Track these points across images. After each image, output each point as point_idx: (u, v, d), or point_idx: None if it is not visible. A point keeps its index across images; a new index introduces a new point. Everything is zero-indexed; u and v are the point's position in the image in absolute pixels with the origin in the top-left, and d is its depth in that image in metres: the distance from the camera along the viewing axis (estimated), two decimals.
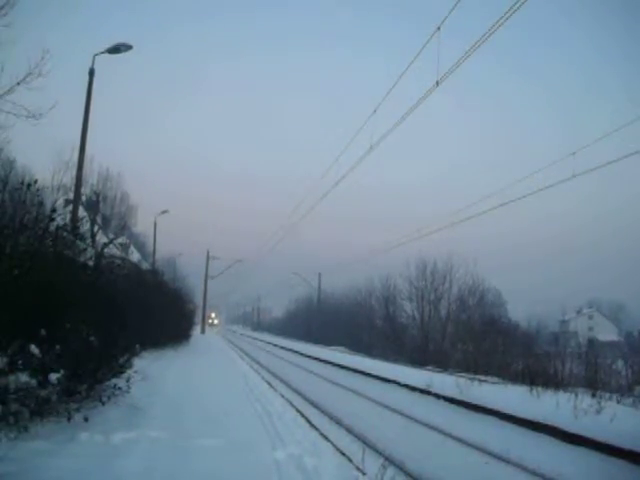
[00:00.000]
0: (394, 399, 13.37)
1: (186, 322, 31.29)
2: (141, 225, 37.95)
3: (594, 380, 12.96)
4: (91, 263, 10.24)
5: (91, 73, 14.04)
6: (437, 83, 9.91)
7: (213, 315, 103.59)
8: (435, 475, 6.73)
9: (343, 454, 6.74)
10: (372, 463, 6.42)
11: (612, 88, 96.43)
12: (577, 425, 8.86)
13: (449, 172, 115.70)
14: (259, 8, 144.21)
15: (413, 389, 15.14)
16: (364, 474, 5.76)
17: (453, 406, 12.55)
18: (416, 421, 10.63)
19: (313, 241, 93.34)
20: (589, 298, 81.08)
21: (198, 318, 53.67)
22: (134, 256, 34.88)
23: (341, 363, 23.84)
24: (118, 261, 17.35)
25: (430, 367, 24.96)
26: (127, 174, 39.87)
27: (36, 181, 8.23)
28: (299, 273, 63.53)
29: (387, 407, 12.31)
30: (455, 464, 7.51)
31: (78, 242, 9.27)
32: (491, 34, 8.46)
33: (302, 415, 9.62)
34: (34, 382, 6.05)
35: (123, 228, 29.73)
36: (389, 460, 6.98)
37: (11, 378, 5.85)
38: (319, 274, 59.10)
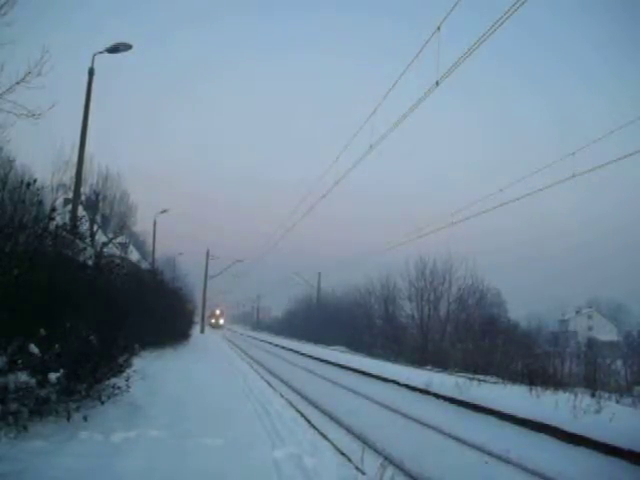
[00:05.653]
0: (394, 399, 13.38)
1: (186, 322, 31.27)
2: (141, 224, 37.90)
3: (593, 380, 12.99)
4: (90, 262, 10.20)
5: (91, 72, 14.05)
6: (437, 83, 9.91)
7: (218, 312, 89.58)
8: (434, 475, 6.72)
9: (342, 453, 6.75)
10: (371, 463, 6.43)
11: (612, 88, 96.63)
12: (576, 425, 8.87)
13: (449, 172, 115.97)
14: (260, 10, 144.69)
15: (413, 389, 15.17)
16: (363, 474, 5.77)
17: (453, 406, 12.56)
18: (415, 421, 10.64)
19: (313, 241, 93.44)
20: (588, 298, 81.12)
21: (198, 317, 53.65)
22: (133, 255, 34.85)
23: (341, 363, 23.86)
24: (117, 260, 17.30)
25: (429, 367, 24.99)
26: (127, 173, 39.75)
27: (35, 180, 8.22)
28: (299, 273, 63.63)
29: (386, 407, 12.31)
30: (454, 464, 7.51)
31: (77, 241, 9.25)
32: (491, 34, 8.47)
33: (302, 415, 9.63)
34: (33, 381, 6.03)
35: (122, 227, 29.55)
36: (388, 460, 6.99)
37: (11, 377, 5.84)
38: (319, 274, 59.22)
